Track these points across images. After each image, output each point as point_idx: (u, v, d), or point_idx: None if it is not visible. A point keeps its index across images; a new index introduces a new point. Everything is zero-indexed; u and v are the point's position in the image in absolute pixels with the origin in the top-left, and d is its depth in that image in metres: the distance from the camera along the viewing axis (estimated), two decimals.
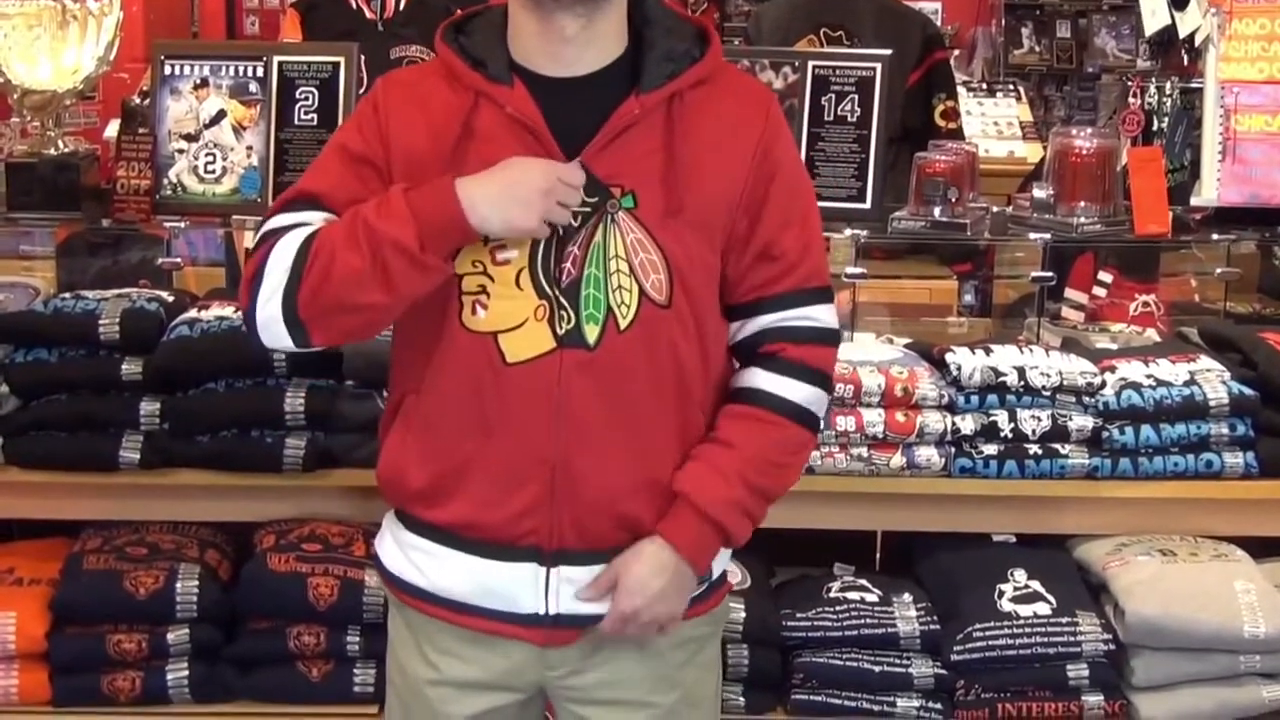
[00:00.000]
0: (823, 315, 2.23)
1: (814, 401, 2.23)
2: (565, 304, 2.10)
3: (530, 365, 2.11)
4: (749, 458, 2.18)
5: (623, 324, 2.11)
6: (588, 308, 2.10)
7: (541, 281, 2.10)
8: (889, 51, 3.47)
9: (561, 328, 2.10)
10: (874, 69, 3.40)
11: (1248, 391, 3.04)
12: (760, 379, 2.20)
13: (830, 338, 2.25)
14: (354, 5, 4.13)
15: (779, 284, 2.19)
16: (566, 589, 2.18)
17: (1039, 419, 2.99)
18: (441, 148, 2.11)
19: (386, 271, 2.04)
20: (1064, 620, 2.93)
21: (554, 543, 2.16)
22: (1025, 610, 2.95)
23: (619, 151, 2.11)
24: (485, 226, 2.05)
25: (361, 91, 3.42)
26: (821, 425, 2.34)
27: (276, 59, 3.37)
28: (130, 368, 2.95)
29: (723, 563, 2.32)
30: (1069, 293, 3.96)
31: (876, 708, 2.93)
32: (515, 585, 2.18)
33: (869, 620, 2.95)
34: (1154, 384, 3.02)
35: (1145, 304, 3.85)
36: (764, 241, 2.17)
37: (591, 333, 2.10)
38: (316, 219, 2.13)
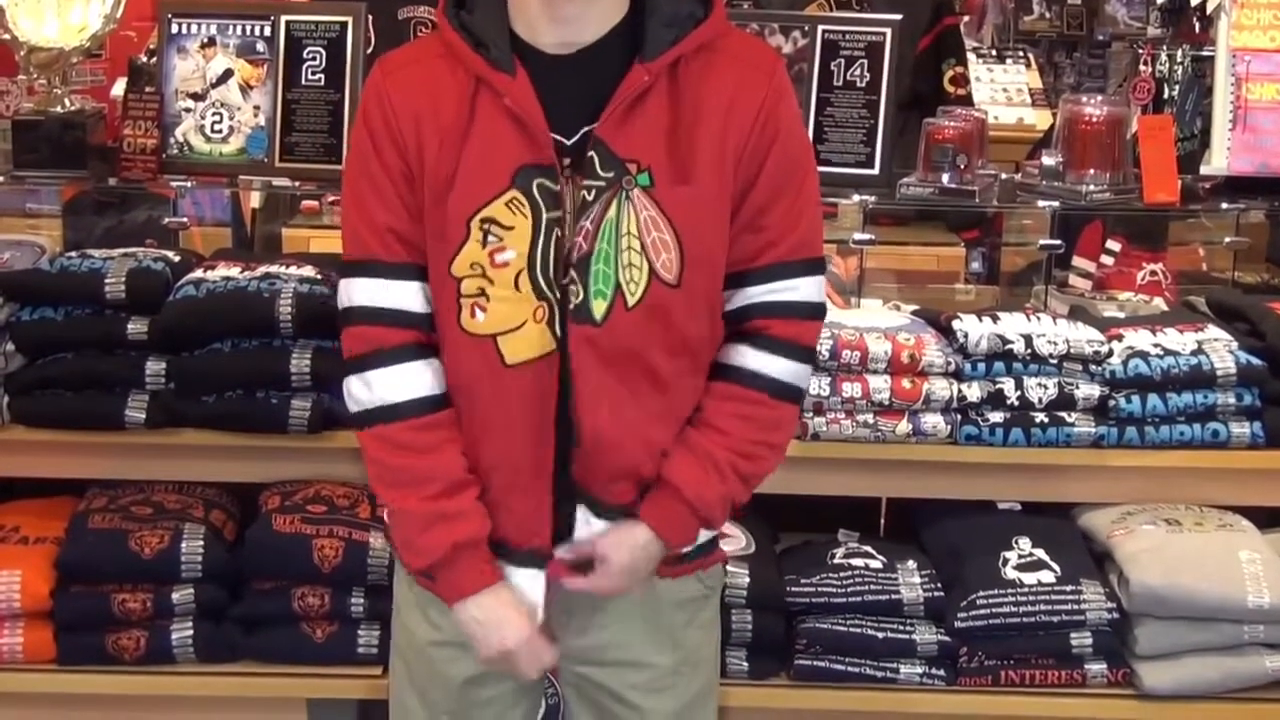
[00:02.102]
0: (808, 288, 2.20)
1: (798, 376, 2.23)
2: (575, 278, 2.08)
3: (529, 366, 2.10)
4: (737, 444, 2.18)
5: (630, 301, 2.09)
6: (597, 283, 2.08)
7: (540, 283, 2.09)
8: (899, 17, 3.45)
9: (571, 303, 2.08)
10: (884, 34, 3.38)
11: (1255, 361, 3.03)
12: (748, 357, 2.19)
13: (815, 312, 2.23)
14: None
15: (763, 256, 2.17)
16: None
17: (1045, 387, 2.98)
18: (447, 140, 2.10)
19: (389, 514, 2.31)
20: (1068, 588, 2.93)
21: (555, 545, 2.18)
22: (1029, 578, 2.95)
23: (633, 125, 2.08)
24: (456, 617, 2.20)
25: (370, 52, 3.40)
26: (807, 395, 2.38)
27: (284, 18, 3.35)
28: (136, 327, 2.94)
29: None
30: (1077, 261, 3.95)
31: (880, 674, 2.94)
32: (518, 580, 2.20)
33: (873, 587, 2.95)
34: (1161, 353, 3.01)
35: (1153, 273, 3.84)
36: (751, 213, 2.15)
37: (599, 308, 2.09)
38: (398, 295, 2.15)
